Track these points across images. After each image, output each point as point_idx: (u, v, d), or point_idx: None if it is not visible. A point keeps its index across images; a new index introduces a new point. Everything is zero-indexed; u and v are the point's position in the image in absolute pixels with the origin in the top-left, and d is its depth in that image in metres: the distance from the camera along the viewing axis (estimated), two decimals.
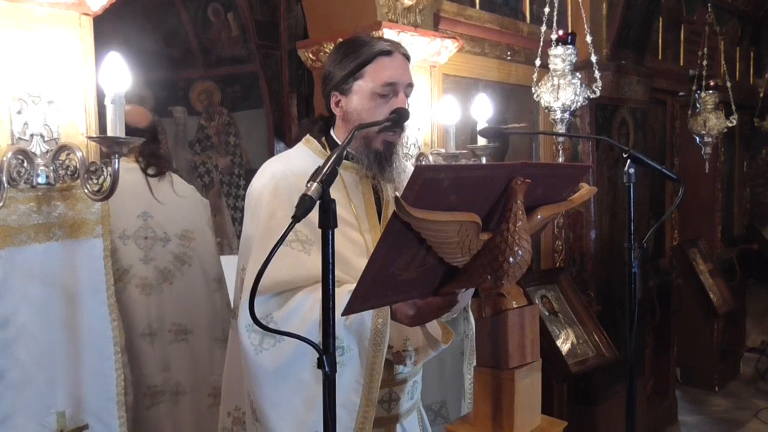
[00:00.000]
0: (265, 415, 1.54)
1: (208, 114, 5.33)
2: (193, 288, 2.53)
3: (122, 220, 2.33)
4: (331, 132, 1.74)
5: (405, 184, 1.83)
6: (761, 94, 5.51)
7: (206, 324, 2.56)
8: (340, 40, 1.84)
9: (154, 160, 2.46)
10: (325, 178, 1.04)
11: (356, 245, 1.65)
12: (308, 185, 1.03)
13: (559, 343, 3.04)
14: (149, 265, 2.41)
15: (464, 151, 2.57)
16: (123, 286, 2.34)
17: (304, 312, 1.50)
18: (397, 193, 1.12)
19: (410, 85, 1.65)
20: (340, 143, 1.67)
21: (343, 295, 1.24)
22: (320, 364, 1.00)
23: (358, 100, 1.63)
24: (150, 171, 2.44)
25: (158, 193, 2.45)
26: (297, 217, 1.01)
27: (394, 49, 1.64)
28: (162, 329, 2.46)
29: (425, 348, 1.66)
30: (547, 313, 3.15)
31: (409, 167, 1.75)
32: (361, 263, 1.61)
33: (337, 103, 1.68)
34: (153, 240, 2.42)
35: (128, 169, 2.34)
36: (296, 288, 1.54)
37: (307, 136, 1.76)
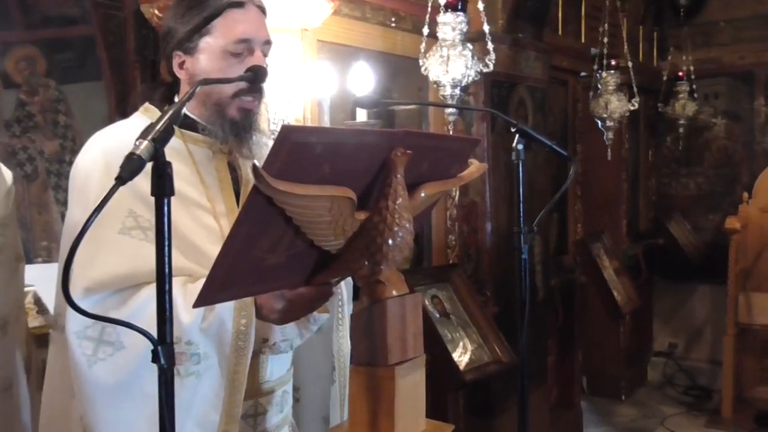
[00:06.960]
0: None
1: (31, 87, 5.03)
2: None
3: None
4: (176, 99, 1.71)
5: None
6: (665, 78, 5.98)
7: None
8: None
9: None
10: (159, 135, 1.02)
11: (210, 231, 1.63)
12: (137, 143, 1.01)
13: (451, 348, 3.16)
14: None
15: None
16: None
17: (149, 313, 1.45)
18: (255, 161, 1.11)
19: (268, 42, 1.65)
20: (186, 111, 1.64)
21: (198, 290, 1.21)
22: (155, 358, 0.99)
23: (207, 60, 1.61)
24: None
25: None
26: (122, 179, 0.99)
27: (246, 0, 1.62)
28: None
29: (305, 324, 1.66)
30: (438, 315, 3.27)
31: (271, 144, 1.75)
32: (216, 252, 1.62)
33: (181, 65, 1.65)
34: None
35: None
36: (138, 285, 1.50)
37: (146, 104, 1.73)
